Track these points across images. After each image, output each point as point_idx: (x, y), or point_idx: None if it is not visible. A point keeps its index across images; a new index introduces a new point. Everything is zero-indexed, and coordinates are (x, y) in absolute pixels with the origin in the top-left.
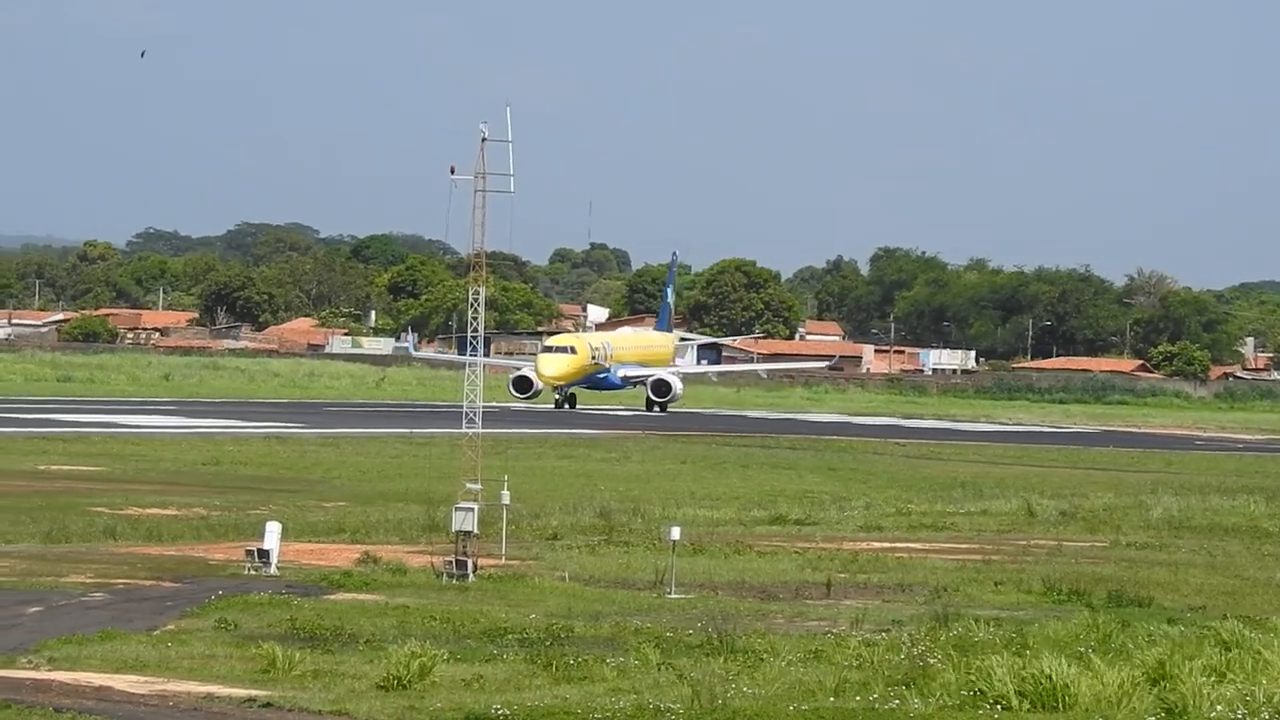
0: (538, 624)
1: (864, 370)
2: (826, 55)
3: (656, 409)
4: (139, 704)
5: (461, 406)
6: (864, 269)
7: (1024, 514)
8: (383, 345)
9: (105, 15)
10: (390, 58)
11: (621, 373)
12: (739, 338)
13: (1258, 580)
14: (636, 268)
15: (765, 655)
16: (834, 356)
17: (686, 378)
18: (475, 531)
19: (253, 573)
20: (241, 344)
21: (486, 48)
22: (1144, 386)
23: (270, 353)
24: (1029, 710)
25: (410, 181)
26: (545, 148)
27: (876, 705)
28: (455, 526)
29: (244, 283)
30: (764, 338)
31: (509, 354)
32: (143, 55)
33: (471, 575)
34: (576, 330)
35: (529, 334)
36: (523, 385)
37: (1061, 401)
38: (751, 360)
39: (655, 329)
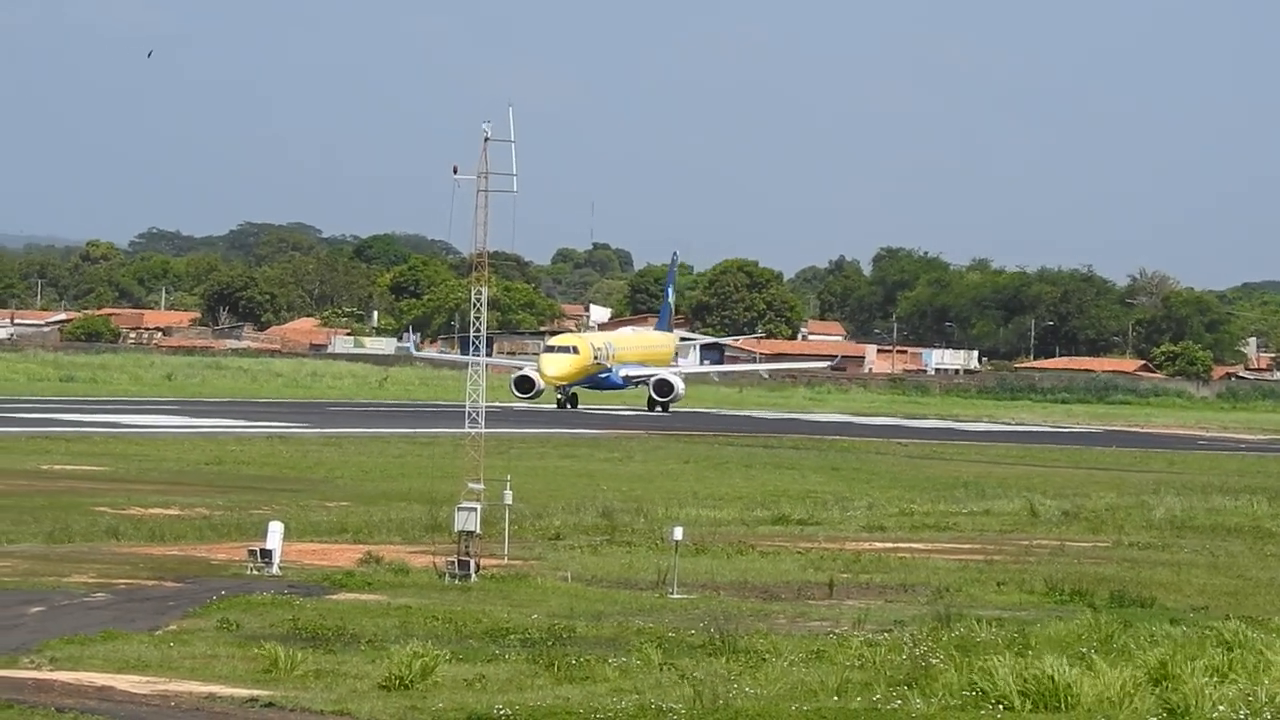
0: (540, 624)
1: (866, 370)
2: (827, 55)
3: (658, 409)
4: (141, 704)
5: (464, 406)
6: (866, 269)
7: (1026, 514)
8: (385, 345)
9: (105, 15)
10: (391, 58)
11: (623, 372)
12: (741, 337)
13: (1260, 580)
14: (639, 268)
15: (767, 655)
16: (836, 356)
17: (688, 378)
18: (478, 531)
19: (255, 573)
20: (244, 344)
21: (487, 48)
22: (1146, 387)
23: (273, 353)
24: (1031, 711)
25: (412, 181)
26: (546, 148)
27: (879, 705)
28: (458, 526)
29: (246, 283)
30: (766, 338)
31: (511, 354)
32: (150, 55)
33: (474, 575)
34: (579, 330)
35: (531, 334)
36: (524, 385)
37: (1064, 401)
38: (754, 360)
39: (655, 329)
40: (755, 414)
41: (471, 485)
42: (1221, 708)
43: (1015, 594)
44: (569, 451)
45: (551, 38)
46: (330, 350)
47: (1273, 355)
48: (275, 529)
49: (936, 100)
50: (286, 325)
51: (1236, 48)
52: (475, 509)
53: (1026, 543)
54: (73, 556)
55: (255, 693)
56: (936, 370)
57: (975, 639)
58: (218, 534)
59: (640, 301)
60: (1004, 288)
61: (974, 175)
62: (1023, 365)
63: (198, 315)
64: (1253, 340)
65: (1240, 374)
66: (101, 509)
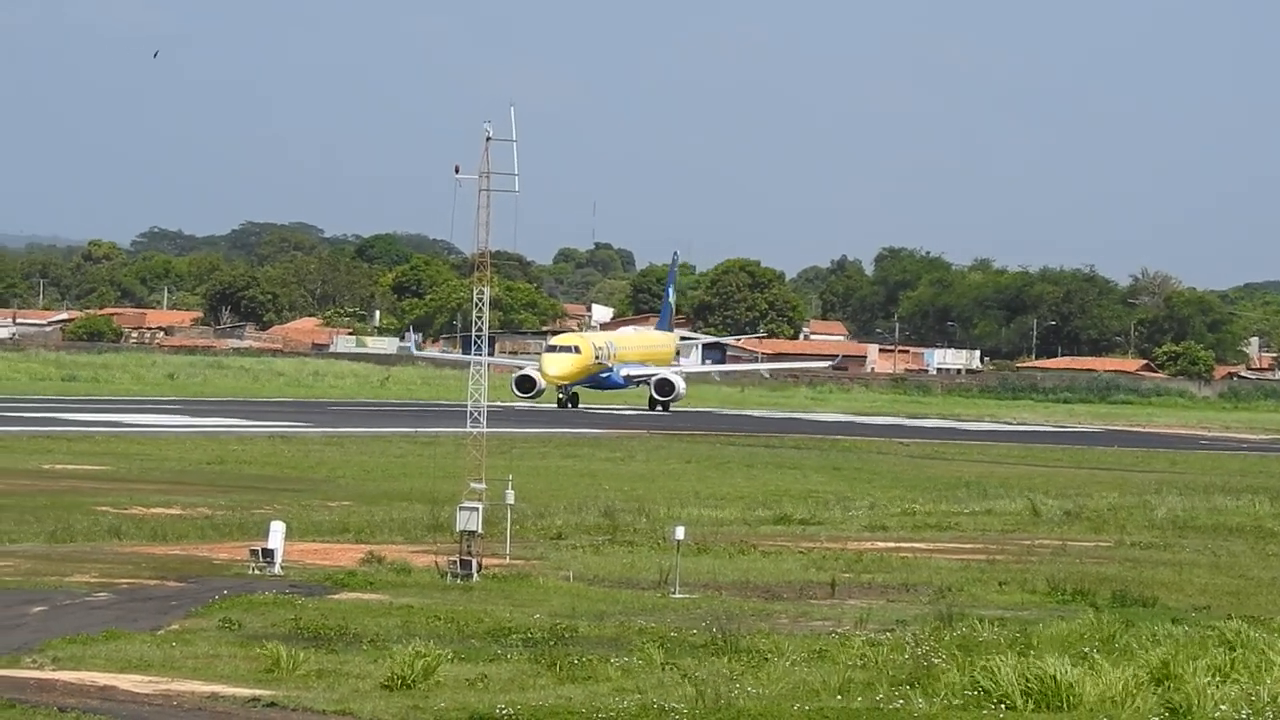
0: (542, 624)
1: (868, 370)
2: (827, 55)
3: (659, 408)
4: (143, 703)
5: (466, 406)
6: (868, 269)
7: (1028, 514)
8: (387, 345)
9: (105, 15)
10: (392, 58)
11: (624, 372)
12: (743, 337)
13: (1262, 580)
14: (641, 268)
15: (769, 655)
16: (838, 356)
17: (690, 377)
18: (479, 531)
19: (257, 572)
20: (246, 343)
21: (487, 48)
22: (1148, 386)
23: (275, 352)
24: (1033, 710)
25: (414, 181)
26: (547, 148)
27: (881, 705)
28: (460, 526)
29: (248, 282)
30: (768, 337)
31: (513, 353)
32: (155, 55)
33: (476, 575)
34: (580, 330)
35: (533, 334)
36: (525, 385)
37: (1066, 401)
38: (756, 360)
39: (656, 329)
40: (757, 414)
41: (473, 485)
42: (1223, 707)
43: (1017, 594)
44: (571, 451)
45: (552, 38)
46: (332, 350)
47: (1275, 355)
48: (277, 529)
49: (937, 100)
50: (288, 325)
51: (1236, 48)
52: (477, 509)
53: (1028, 542)
54: (75, 556)
55: (257, 692)
56: (938, 370)
57: (977, 639)
58: (220, 533)
59: (642, 301)
60: (1006, 288)
61: (975, 175)
62: (1025, 365)
63: (200, 315)
64: (1255, 340)
65: (1242, 374)
66: (104, 508)
